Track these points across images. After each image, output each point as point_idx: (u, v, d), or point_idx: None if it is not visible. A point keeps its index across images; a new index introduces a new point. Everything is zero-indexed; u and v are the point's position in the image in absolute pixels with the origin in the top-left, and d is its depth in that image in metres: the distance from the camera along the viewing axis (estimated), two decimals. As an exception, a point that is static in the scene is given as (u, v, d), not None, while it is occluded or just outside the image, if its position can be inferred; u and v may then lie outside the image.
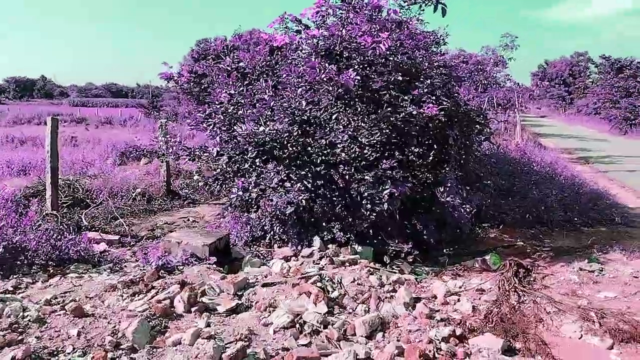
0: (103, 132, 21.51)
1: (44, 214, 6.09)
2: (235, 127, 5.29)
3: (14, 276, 4.40)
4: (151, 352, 3.02)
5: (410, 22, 5.78)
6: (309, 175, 5.27)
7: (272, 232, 6.02)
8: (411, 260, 5.25)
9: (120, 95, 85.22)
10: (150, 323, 3.33)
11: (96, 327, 3.26)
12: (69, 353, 2.97)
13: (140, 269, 4.62)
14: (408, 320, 3.59)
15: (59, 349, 3.01)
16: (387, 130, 4.96)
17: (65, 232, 5.42)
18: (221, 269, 4.84)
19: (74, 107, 49.65)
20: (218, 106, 5.35)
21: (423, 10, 5.66)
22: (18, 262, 4.61)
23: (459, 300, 4.15)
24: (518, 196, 8.02)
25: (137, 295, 3.89)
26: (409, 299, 3.98)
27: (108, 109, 44.96)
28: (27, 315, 3.41)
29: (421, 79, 5.34)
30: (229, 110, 5.36)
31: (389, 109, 4.90)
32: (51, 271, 4.57)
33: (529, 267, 4.91)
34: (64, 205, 7.04)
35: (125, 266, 4.88)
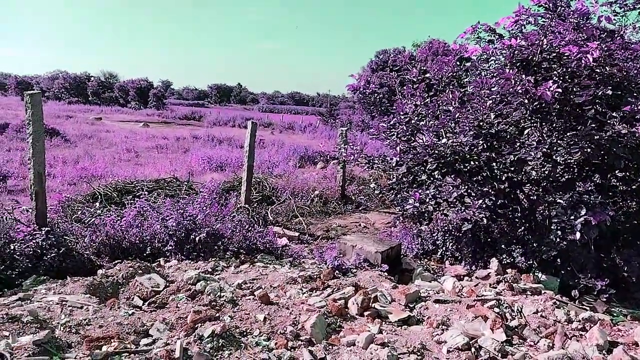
0: (286, 137, 23.42)
1: (237, 206, 6.85)
2: (414, 138, 5.27)
3: (212, 259, 5.01)
4: (327, 348, 3.15)
5: (624, 31, 5.10)
6: (492, 192, 4.99)
7: (444, 248, 5.87)
8: (605, 298, 4.61)
9: (302, 103, 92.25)
10: (327, 320, 3.48)
11: (279, 316, 3.52)
12: (256, 336, 3.25)
13: (317, 267, 4.88)
14: (604, 366, 3.15)
15: (248, 331, 3.31)
16: (589, 150, 4.43)
17: (254, 225, 6.01)
18: (392, 277, 4.86)
19: (262, 113, 55.25)
20: (402, 117, 5.38)
21: None
22: (216, 247, 5.25)
23: (670, 354, 3.50)
24: None
25: (314, 291, 4.11)
26: (603, 342, 3.48)
27: (291, 116, 48.94)
28: (223, 296, 3.84)
29: (635, 94, 4.67)
30: (412, 121, 5.36)
31: (593, 125, 4.38)
32: (242, 258, 5.11)
33: None
34: (254, 200, 7.83)
35: (304, 262, 5.21)
